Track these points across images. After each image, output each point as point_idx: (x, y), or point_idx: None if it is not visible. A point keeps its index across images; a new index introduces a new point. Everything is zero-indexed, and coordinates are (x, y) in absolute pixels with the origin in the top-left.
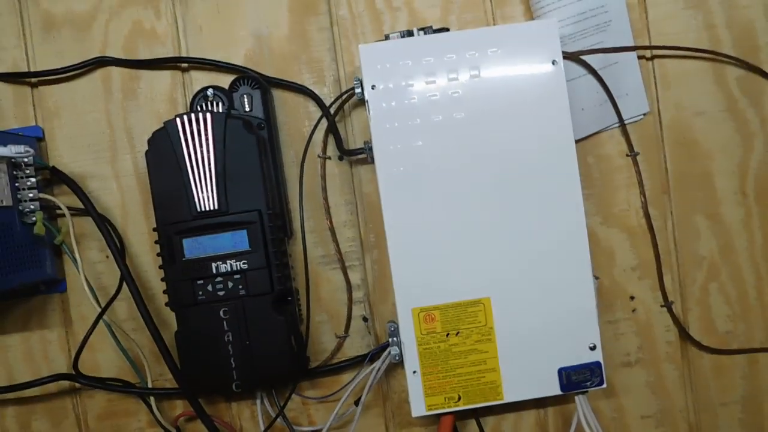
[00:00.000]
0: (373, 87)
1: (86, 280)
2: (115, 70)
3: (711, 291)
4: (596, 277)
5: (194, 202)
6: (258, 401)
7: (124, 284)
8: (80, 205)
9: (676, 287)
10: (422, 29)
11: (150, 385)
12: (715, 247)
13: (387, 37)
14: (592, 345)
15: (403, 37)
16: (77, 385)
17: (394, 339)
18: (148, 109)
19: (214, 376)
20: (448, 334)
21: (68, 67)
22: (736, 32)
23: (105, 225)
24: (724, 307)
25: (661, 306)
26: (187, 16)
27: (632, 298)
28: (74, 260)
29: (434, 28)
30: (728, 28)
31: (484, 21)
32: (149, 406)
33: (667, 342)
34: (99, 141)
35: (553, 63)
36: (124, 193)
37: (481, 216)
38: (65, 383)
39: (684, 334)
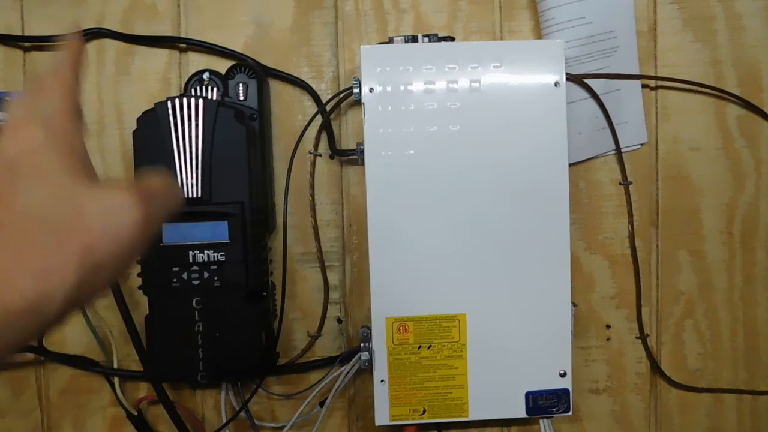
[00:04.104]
0: (371, 90)
1: None
2: (110, 43)
3: (686, 327)
4: (574, 305)
5: None
6: (223, 393)
7: None
8: None
9: (653, 320)
10: (427, 36)
11: (116, 366)
12: (695, 284)
13: (391, 40)
14: (562, 372)
15: (407, 42)
16: (42, 357)
17: (366, 345)
18: (140, 86)
19: (181, 365)
20: (420, 347)
21: (63, 35)
22: (741, 71)
23: None
24: (696, 345)
25: (636, 337)
26: None
27: (608, 326)
28: None
29: (439, 36)
30: (734, 66)
31: (491, 32)
32: (112, 385)
33: (637, 373)
34: (88, 113)
35: (555, 84)
36: (108, 169)
37: (465, 231)
38: (30, 355)
39: (655, 368)
